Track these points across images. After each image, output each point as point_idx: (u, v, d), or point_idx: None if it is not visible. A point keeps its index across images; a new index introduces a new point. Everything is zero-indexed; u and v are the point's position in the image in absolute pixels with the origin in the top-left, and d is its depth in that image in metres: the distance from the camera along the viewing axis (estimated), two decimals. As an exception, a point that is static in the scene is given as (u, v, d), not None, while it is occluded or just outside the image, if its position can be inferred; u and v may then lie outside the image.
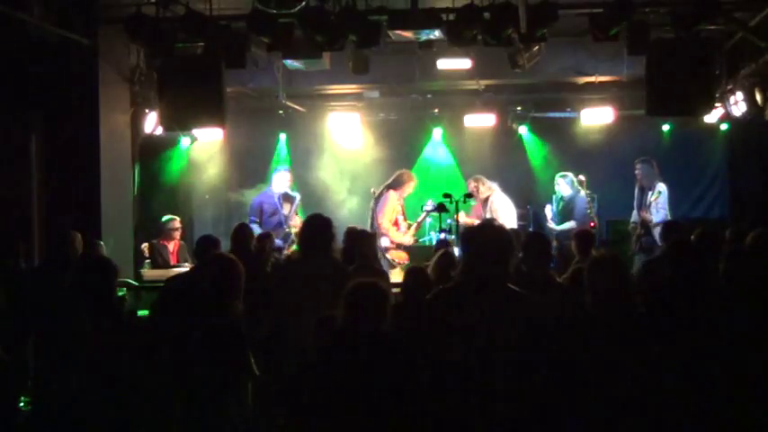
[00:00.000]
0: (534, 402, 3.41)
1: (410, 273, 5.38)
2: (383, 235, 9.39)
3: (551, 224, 9.83)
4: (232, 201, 11.12)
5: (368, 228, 9.40)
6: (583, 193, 9.69)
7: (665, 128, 11.10)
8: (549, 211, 10.00)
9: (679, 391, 3.70)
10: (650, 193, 9.26)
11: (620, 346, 3.57)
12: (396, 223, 9.55)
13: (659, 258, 5.96)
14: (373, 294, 3.52)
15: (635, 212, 9.45)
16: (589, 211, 9.58)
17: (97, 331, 4.21)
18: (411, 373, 3.44)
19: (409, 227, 9.62)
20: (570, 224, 9.54)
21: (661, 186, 9.24)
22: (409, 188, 9.67)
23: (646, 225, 9.14)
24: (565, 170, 10.08)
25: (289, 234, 9.58)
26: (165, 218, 9.21)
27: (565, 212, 9.82)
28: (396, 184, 9.60)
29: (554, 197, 10.38)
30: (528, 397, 3.38)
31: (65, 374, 4.42)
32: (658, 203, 9.16)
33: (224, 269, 4.32)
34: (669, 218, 9.08)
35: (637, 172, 9.44)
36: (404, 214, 9.75)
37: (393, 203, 9.53)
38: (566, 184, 9.88)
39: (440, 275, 5.25)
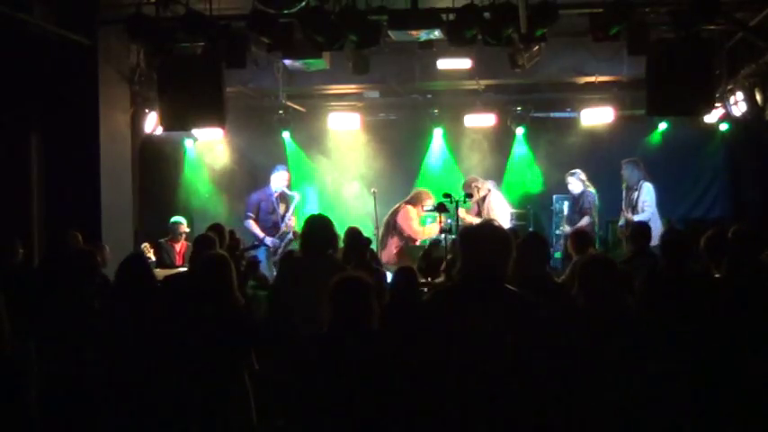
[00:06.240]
0: (530, 403, 3.41)
1: (399, 273, 5.37)
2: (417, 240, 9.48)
3: (566, 227, 9.80)
4: (232, 201, 11.13)
5: (374, 231, 9.48)
6: (591, 188, 9.77)
7: (665, 127, 11.10)
8: (566, 208, 10.04)
9: (672, 389, 3.71)
10: (635, 193, 9.28)
11: (611, 344, 3.58)
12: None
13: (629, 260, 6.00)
14: (356, 287, 3.50)
15: (622, 215, 9.45)
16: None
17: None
18: (403, 373, 3.43)
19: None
20: (585, 220, 9.56)
21: (647, 186, 9.24)
22: (427, 206, 9.61)
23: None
24: (565, 170, 10.09)
25: (286, 233, 9.60)
26: (173, 219, 9.30)
27: (576, 210, 9.85)
28: (414, 201, 9.60)
29: (554, 197, 10.39)
30: (524, 397, 3.37)
31: (67, 371, 4.47)
32: (645, 202, 9.16)
33: (213, 264, 4.52)
34: (658, 217, 9.09)
35: (622, 172, 9.44)
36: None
37: (415, 217, 9.54)
38: (577, 181, 9.90)
39: (429, 264, 5.29)
